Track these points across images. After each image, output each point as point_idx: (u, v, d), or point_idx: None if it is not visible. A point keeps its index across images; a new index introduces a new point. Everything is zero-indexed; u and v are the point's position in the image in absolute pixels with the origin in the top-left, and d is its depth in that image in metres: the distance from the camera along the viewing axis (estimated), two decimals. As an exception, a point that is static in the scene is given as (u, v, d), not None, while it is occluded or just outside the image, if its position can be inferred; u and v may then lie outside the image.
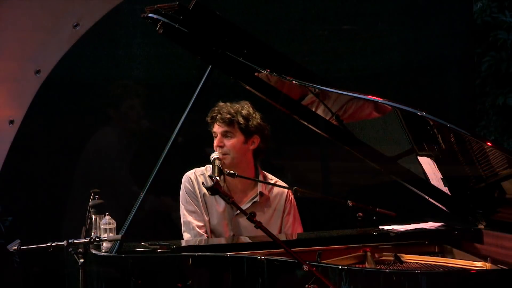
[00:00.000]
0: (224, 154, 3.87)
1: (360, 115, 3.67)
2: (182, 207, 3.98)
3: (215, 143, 3.91)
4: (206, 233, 3.92)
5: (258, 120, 3.94)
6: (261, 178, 3.99)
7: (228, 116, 3.88)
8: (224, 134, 3.90)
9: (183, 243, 3.73)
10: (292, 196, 4.03)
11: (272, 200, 4.00)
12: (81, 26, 5.00)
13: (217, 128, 3.92)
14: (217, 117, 3.90)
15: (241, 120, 3.89)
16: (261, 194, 3.97)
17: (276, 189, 4.02)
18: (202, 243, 3.74)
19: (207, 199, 3.95)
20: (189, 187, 3.97)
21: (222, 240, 3.83)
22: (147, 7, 3.46)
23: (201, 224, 3.92)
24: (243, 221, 3.86)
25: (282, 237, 3.82)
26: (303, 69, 3.63)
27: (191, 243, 3.73)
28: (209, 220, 3.94)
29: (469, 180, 3.56)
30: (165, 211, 5.43)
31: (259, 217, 3.83)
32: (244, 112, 3.91)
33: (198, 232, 3.89)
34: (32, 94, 5.06)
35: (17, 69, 4.91)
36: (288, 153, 5.49)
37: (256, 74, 3.55)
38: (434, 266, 3.39)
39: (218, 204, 3.93)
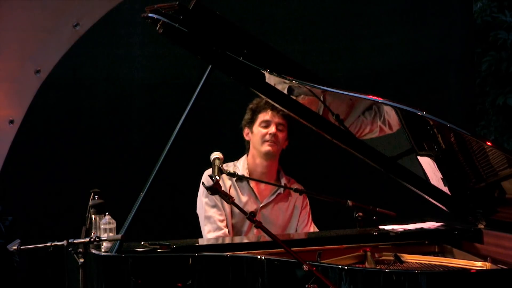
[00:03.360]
0: (275, 142, 3.91)
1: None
2: (203, 202, 3.97)
3: (271, 131, 3.90)
4: (227, 226, 3.93)
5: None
6: (281, 174, 4.05)
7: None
8: (278, 126, 3.92)
9: (183, 243, 3.73)
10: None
11: (293, 194, 4.03)
12: (81, 26, 5.01)
13: (272, 116, 3.91)
14: (272, 106, 3.87)
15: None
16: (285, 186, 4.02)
17: (295, 185, 4.05)
18: (202, 243, 3.74)
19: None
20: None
21: (222, 240, 3.83)
22: (147, 7, 3.45)
23: (222, 218, 3.93)
24: (267, 213, 3.96)
25: (282, 237, 3.82)
26: (303, 69, 3.63)
27: (191, 243, 3.72)
28: (231, 215, 3.95)
29: (469, 180, 3.56)
30: (165, 211, 5.43)
31: (282, 210, 3.99)
32: None
33: (219, 226, 3.91)
34: (32, 94, 5.06)
35: (17, 69, 4.91)
36: (288, 153, 5.48)
37: (258, 74, 3.55)
38: (434, 266, 3.39)
39: (240, 199, 3.95)
